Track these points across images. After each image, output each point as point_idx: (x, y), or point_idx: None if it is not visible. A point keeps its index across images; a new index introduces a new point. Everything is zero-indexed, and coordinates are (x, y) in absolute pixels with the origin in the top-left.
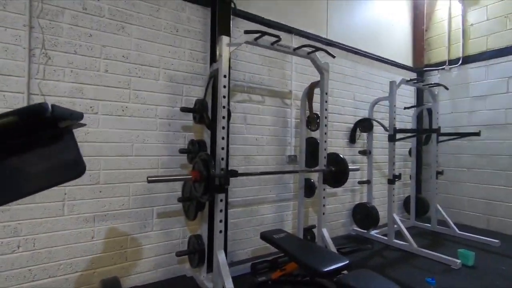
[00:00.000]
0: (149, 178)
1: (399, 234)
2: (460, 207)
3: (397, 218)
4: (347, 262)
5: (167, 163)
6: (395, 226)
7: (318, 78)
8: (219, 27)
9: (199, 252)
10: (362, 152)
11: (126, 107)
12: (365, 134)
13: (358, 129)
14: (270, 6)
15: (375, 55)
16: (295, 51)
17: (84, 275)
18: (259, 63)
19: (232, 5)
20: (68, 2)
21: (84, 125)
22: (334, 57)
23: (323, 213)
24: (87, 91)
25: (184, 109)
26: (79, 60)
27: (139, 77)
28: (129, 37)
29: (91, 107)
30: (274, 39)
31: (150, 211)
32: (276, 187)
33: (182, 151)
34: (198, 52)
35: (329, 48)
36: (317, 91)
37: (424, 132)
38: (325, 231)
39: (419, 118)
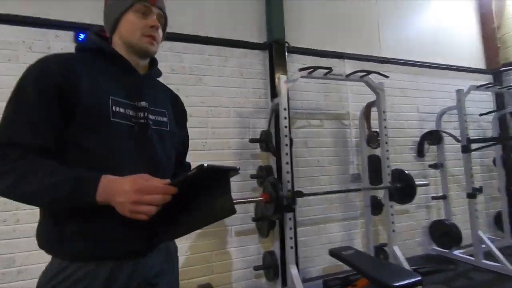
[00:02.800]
0: None
1: (490, 254)
2: None
3: (483, 236)
4: (419, 278)
5: (240, 188)
6: (483, 245)
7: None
8: (276, 66)
9: (273, 267)
10: (433, 166)
11: (206, 142)
12: (435, 147)
13: (426, 142)
14: (321, 36)
15: (437, 64)
16: (347, 77)
17: (180, 284)
18: (315, 91)
19: (286, 44)
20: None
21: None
22: (387, 77)
23: (393, 231)
24: None
25: (252, 140)
26: None
27: (214, 117)
28: (205, 86)
29: None
30: (326, 70)
31: (230, 230)
32: (342, 205)
33: (252, 176)
34: (260, 89)
35: (383, 66)
36: (376, 108)
37: (505, 139)
38: (396, 249)
39: (501, 123)
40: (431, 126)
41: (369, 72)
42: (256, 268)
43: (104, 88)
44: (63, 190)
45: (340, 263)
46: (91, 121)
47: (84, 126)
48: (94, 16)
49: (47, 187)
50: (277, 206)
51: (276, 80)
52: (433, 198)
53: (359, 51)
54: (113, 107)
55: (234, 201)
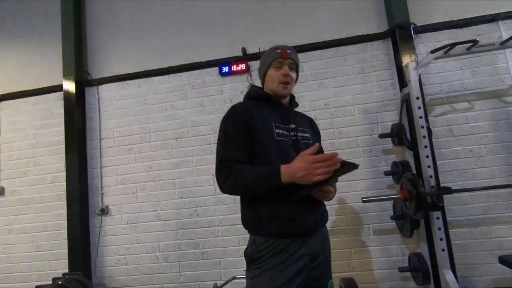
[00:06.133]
0: (363, 199)
1: None
2: None
3: None
4: None
5: (373, 185)
6: None
7: None
8: (402, 53)
9: (422, 271)
10: None
11: (334, 143)
12: None
13: None
14: (459, 3)
15: None
16: (503, 44)
17: None
18: (457, 68)
19: (412, 26)
20: None
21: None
22: None
23: None
24: None
25: (382, 135)
26: None
27: (339, 117)
28: (327, 89)
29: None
30: (469, 44)
31: (367, 228)
32: None
33: (386, 173)
34: (385, 81)
35: None
36: None
37: None
38: None
39: None
40: None
41: None
42: (401, 269)
43: (268, 119)
44: (261, 180)
45: None
46: (264, 140)
47: (261, 145)
48: (227, 51)
49: (252, 180)
50: (419, 204)
51: (404, 68)
52: None
53: None
54: (276, 130)
55: (368, 198)
